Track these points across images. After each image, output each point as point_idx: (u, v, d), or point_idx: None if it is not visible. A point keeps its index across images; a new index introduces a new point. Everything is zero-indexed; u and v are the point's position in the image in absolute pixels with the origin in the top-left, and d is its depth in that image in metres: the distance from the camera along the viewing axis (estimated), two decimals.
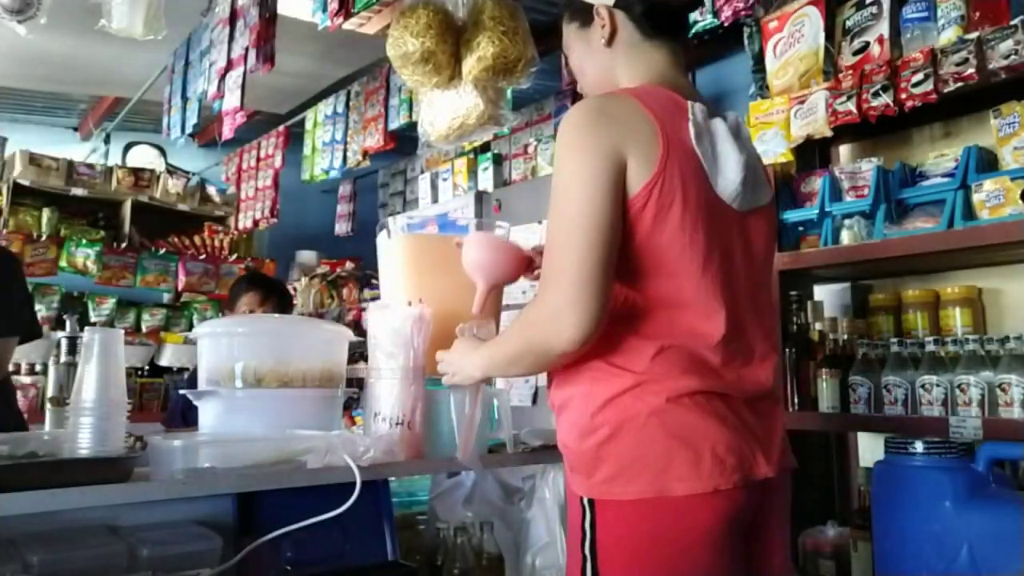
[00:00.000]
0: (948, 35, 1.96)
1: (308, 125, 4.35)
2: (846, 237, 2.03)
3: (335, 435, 1.30)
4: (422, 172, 4.51)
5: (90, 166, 4.55)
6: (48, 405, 1.60)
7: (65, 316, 1.68)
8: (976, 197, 1.83)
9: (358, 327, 3.61)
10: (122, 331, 1.25)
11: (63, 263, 4.26)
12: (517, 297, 2.51)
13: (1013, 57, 1.79)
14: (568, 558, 1.21)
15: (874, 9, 2.12)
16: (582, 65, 1.37)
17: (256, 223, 4.67)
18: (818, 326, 2.18)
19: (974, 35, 1.87)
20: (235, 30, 3.26)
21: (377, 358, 1.40)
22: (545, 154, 3.63)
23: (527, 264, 1.47)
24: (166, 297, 4.81)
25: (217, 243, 4.78)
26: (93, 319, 4.38)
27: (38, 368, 4.01)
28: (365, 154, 3.96)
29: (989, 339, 1.81)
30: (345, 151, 4.05)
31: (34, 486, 1.03)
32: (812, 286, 2.41)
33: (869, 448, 2.32)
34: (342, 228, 5.19)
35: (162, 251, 4.57)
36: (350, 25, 3.43)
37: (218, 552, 1.20)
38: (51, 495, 1.04)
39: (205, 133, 5.17)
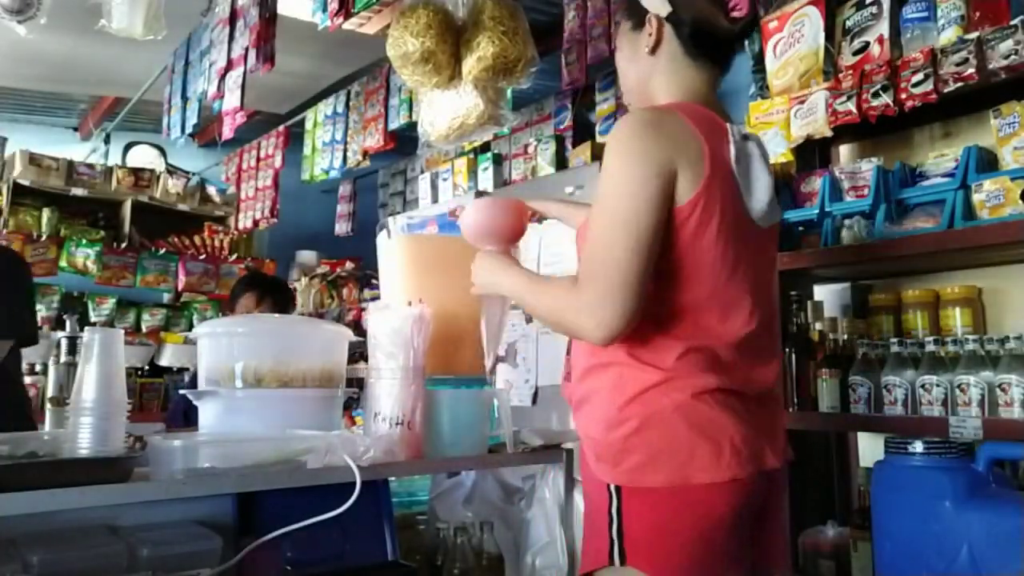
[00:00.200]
0: (948, 35, 1.96)
1: (308, 125, 4.35)
2: (846, 237, 2.03)
3: (335, 435, 1.30)
4: (422, 172, 4.52)
5: (90, 166, 4.55)
6: (48, 405, 1.60)
7: (65, 316, 1.68)
8: (976, 197, 1.83)
9: (358, 327, 3.61)
10: (122, 331, 1.25)
11: (63, 263, 4.26)
12: None
13: (1013, 57, 1.79)
14: (588, 542, 1.28)
15: (874, 9, 2.12)
16: (626, 66, 1.42)
17: (256, 223, 4.67)
18: (818, 326, 2.18)
19: (974, 35, 1.87)
20: (235, 30, 3.26)
21: (377, 358, 1.40)
22: (545, 154, 3.63)
23: (526, 213, 1.52)
24: (166, 297, 4.81)
25: (217, 243, 4.79)
26: (93, 319, 4.38)
27: (38, 368, 4.01)
28: (365, 154, 3.97)
29: (989, 339, 1.81)
30: (345, 151, 4.06)
31: (34, 486, 1.03)
32: (812, 286, 2.41)
33: (869, 448, 2.31)
34: (342, 228, 5.19)
35: (162, 251, 4.57)
36: (350, 25, 3.43)
37: (218, 552, 1.20)
38: (51, 495, 1.04)
39: (205, 133, 5.17)
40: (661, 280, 1.22)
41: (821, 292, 2.42)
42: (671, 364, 1.20)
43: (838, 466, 2.39)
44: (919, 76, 1.93)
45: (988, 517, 1.52)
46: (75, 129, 5.63)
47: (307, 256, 5.57)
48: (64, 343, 1.65)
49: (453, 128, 2.06)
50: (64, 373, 1.60)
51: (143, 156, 5.53)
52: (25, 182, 4.26)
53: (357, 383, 1.65)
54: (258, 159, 4.71)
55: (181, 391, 1.84)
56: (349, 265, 5.12)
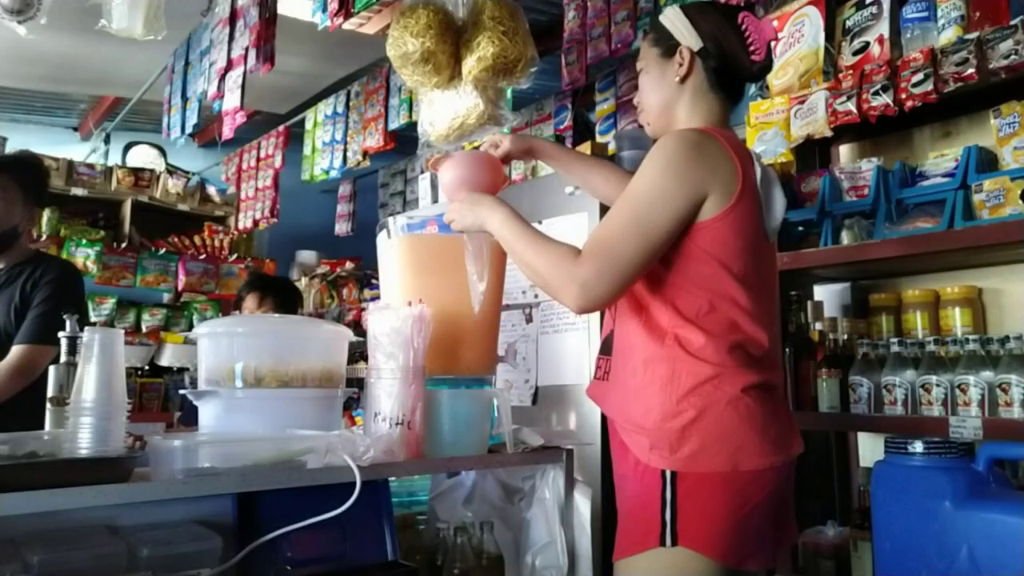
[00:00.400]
0: (948, 35, 1.96)
1: (308, 125, 4.35)
2: (846, 237, 2.03)
3: (335, 435, 1.30)
4: (422, 172, 4.51)
5: (90, 166, 4.55)
6: (48, 405, 1.60)
7: (65, 316, 1.67)
8: (976, 197, 1.83)
9: (358, 327, 3.61)
10: (122, 331, 1.24)
11: None
12: (518, 298, 2.51)
13: (1013, 57, 1.79)
14: (631, 526, 1.37)
15: (874, 9, 2.12)
16: (650, 89, 1.51)
17: (256, 223, 4.67)
18: (818, 326, 2.18)
19: (974, 35, 1.87)
20: (235, 30, 3.26)
21: (377, 358, 1.40)
22: None
23: (502, 170, 1.59)
24: (166, 297, 4.81)
25: (217, 243, 4.78)
26: (93, 319, 4.38)
27: None
28: (365, 154, 3.97)
29: (989, 339, 1.81)
30: (345, 151, 4.06)
31: (34, 486, 1.03)
32: (812, 286, 2.41)
33: (869, 448, 2.31)
34: (342, 228, 5.20)
35: (162, 251, 4.57)
36: (350, 25, 3.43)
37: (218, 552, 1.20)
38: (51, 495, 1.03)
39: (205, 133, 5.17)
40: (702, 282, 1.34)
41: (821, 292, 2.42)
42: (721, 359, 1.32)
43: (838, 466, 2.39)
44: (919, 76, 1.93)
45: (988, 517, 1.52)
46: (75, 129, 5.63)
47: (307, 256, 5.57)
48: (64, 343, 1.64)
49: (453, 128, 2.06)
50: (64, 373, 1.60)
51: (143, 156, 5.54)
52: None
53: (357, 383, 1.64)
54: (258, 159, 4.71)
55: (182, 391, 1.83)
56: (349, 265, 5.12)
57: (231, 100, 3.27)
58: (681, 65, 1.44)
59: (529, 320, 2.51)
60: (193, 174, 5.01)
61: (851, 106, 2.06)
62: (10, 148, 4.36)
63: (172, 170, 5.03)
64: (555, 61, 3.17)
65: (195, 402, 1.47)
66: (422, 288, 1.50)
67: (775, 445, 1.32)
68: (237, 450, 1.22)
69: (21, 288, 2.28)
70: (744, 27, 1.43)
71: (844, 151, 2.49)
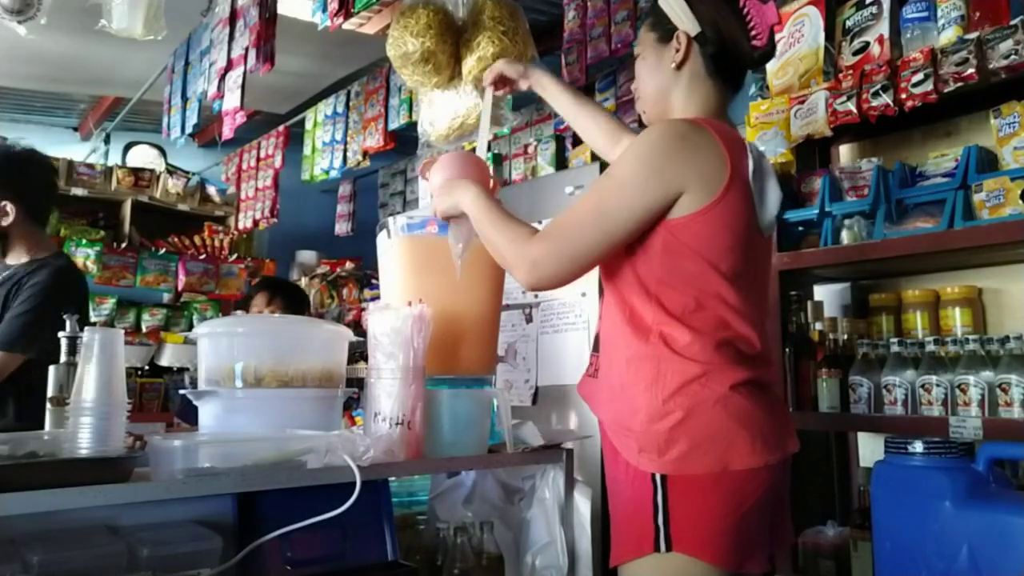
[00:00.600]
0: (948, 35, 1.96)
1: (308, 125, 4.35)
2: (846, 237, 2.03)
3: (335, 435, 1.30)
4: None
5: (90, 166, 4.55)
6: (48, 405, 1.60)
7: (65, 316, 1.67)
8: (976, 197, 1.83)
9: (358, 327, 3.61)
10: (122, 331, 1.24)
11: None
12: (517, 297, 2.51)
13: (1013, 57, 1.79)
14: (624, 532, 1.33)
15: (874, 9, 2.12)
16: (646, 74, 1.47)
17: (256, 223, 4.67)
18: (818, 326, 2.18)
19: (974, 35, 1.87)
20: (235, 30, 3.26)
21: (377, 358, 1.40)
22: (545, 154, 3.64)
23: (488, 170, 1.58)
24: (166, 297, 4.81)
25: (217, 243, 4.78)
26: (93, 319, 4.38)
27: None
28: (365, 154, 3.96)
29: (989, 339, 1.81)
30: (345, 151, 4.06)
31: (34, 486, 1.03)
32: (812, 286, 2.41)
33: (869, 448, 2.32)
34: (342, 228, 5.19)
35: (162, 251, 4.57)
36: (350, 25, 3.43)
37: (218, 552, 1.20)
38: (51, 495, 1.03)
39: (205, 133, 5.17)
40: (689, 278, 1.31)
41: (821, 292, 2.42)
42: (708, 357, 1.28)
43: (838, 466, 2.39)
44: (919, 76, 1.93)
45: (988, 517, 1.52)
46: (75, 129, 5.63)
47: (307, 256, 5.57)
48: (64, 343, 1.64)
49: (453, 128, 2.06)
50: (64, 373, 1.60)
51: (143, 156, 5.53)
52: None
53: (357, 383, 1.64)
54: (258, 159, 4.71)
55: (182, 391, 1.83)
56: (349, 265, 5.12)
57: (231, 100, 3.27)
58: (678, 51, 1.39)
59: (529, 320, 2.51)
60: (193, 174, 5.01)
61: (851, 106, 2.06)
62: None
63: (172, 170, 5.03)
64: (555, 61, 3.17)
65: (195, 402, 1.47)
66: (422, 288, 1.50)
67: (768, 443, 1.28)
68: (237, 450, 1.22)
69: (6, 294, 2.20)
70: (746, 11, 1.37)
71: (844, 151, 2.49)
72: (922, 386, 1.85)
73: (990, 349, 1.80)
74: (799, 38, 2.24)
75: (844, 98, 2.08)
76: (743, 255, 1.33)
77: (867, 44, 2.12)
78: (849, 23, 2.18)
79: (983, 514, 1.53)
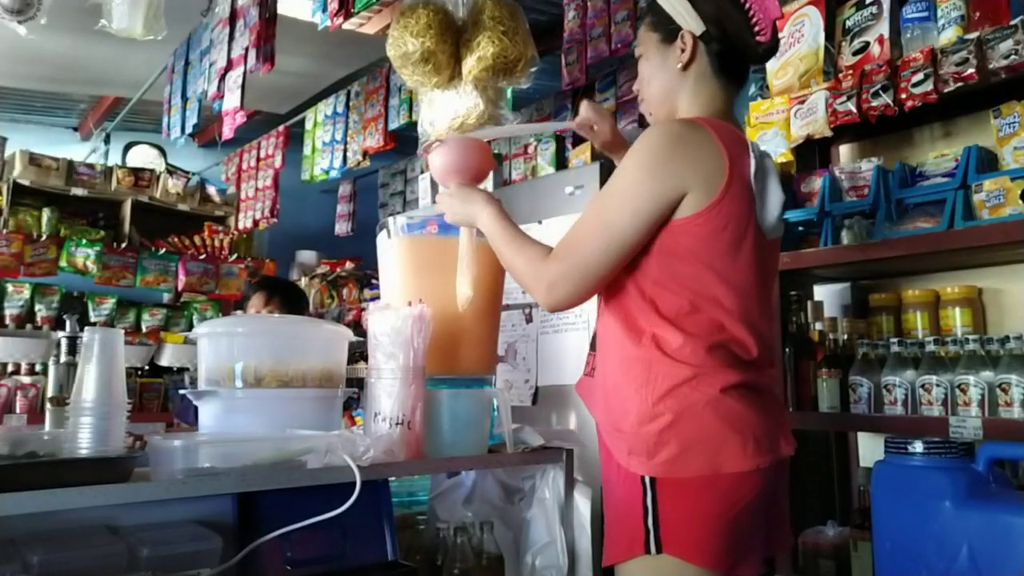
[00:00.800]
0: (948, 35, 1.96)
1: (308, 125, 4.35)
2: (846, 237, 2.03)
3: (335, 435, 1.30)
4: (422, 172, 4.51)
5: (90, 166, 4.54)
6: (48, 405, 1.60)
7: (65, 316, 1.67)
8: (976, 197, 1.83)
9: (358, 327, 3.61)
10: (122, 331, 1.25)
11: (63, 263, 4.26)
12: (518, 298, 2.51)
13: (1013, 57, 1.79)
14: (615, 533, 1.33)
15: (874, 9, 2.12)
16: (650, 76, 1.45)
17: (256, 223, 4.67)
18: (818, 326, 2.18)
19: (974, 35, 1.87)
20: (235, 30, 3.26)
21: (377, 358, 1.40)
22: (545, 154, 3.64)
23: (490, 153, 1.60)
24: (166, 297, 4.81)
25: (217, 243, 4.78)
26: (93, 319, 4.38)
27: (38, 368, 4.00)
28: (365, 154, 3.97)
29: (989, 339, 1.81)
30: (345, 151, 4.06)
31: (34, 486, 1.03)
32: (812, 286, 2.41)
33: (869, 448, 2.31)
34: (342, 228, 5.20)
35: (162, 251, 4.57)
36: (350, 25, 3.43)
37: (218, 552, 1.20)
38: (51, 495, 1.04)
39: (205, 133, 5.17)
40: (684, 280, 1.30)
41: (821, 292, 2.42)
42: (699, 360, 1.27)
43: (838, 466, 2.39)
44: (919, 76, 1.93)
45: (988, 517, 1.51)
46: (75, 129, 5.63)
47: (307, 256, 5.57)
48: (64, 343, 1.64)
49: (453, 128, 2.06)
50: (64, 373, 1.60)
51: (143, 156, 5.54)
52: (25, 182, 4.25)
53: (357, 383, 1.64)
54: (258, 159, 4.71)
55: (182, 391, 1.84)
56: (349, 265, 5.12)
57: (231, 100, 3.27)
58: (683, 51, 1.37)
59: (529, 320, 2.51)
60: (193, 174, 5.00)
61: (851, 106, 2.06)
62: (10, 148, 4.35)
63: (172, 170, 5.03)
64: (555, 61, 3.17)
65: (195, 402, 1.47)
66: (422, 288, 1.50)
67: (760, 446, 1.26)
68: (237, 450, 1.22)
69: None
70: (748, 6, 1.35)
71: (844, 151, 2.49)
72: (922, 386, 1.85)
73: (990, 349, 1.80)
74: (799, 38, 2.24)
75: (844, 98, 2.08)
76: (743, 257, 1.31)
77: (867, 44, 2.12)
78: (849, 23, 2.18)
79: (983, 514, 1.52)
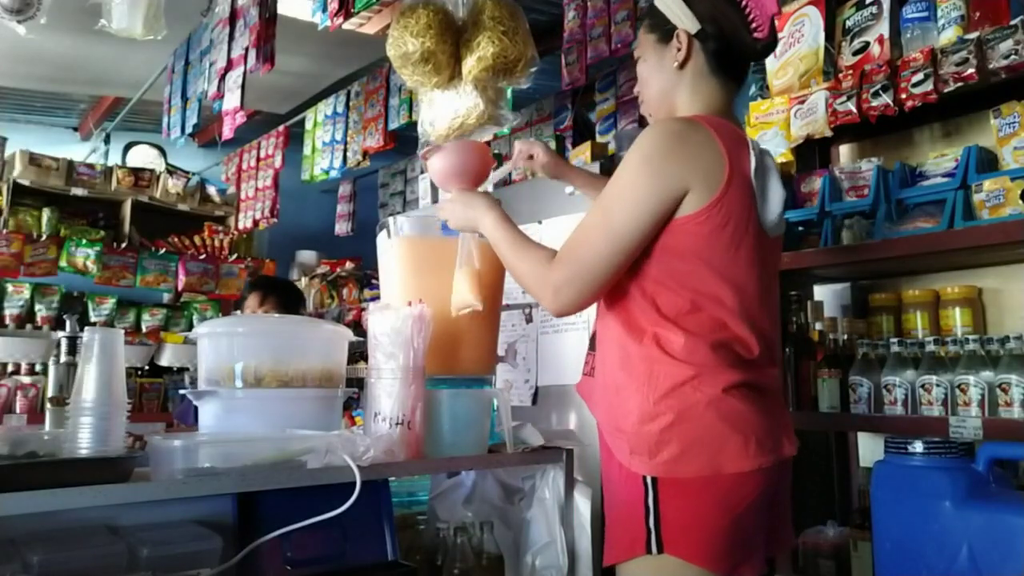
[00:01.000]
0: (948, 35, 1.96)
1: (308, 125, 4.35)
2: (846, 237, 2.03)
3: (335, 435, 1.30)
4: (422, 172, 4.51)
5: (90, 166, 4.55)
6: (48, 405, 1.60)
7: (65, 316, 1.67)
8: (976, 197, 1.83)
9: (358, 327, 3.61)
10: (122, 331, 1.25)
11: (63, 263, 4.26)
12: (517, 298, 2.51)
13: (1013, 57, 1.79)
14: (617, 533, 1.32)
15: (874, 9, 2.12)
16: (648, 76, 1.46)
17: (256, 223, 4.67)
18: (818, 326, 2.18)
19: (974, 35, 1.87)
20: (235, 30, 3.26)
21: (377, 358, 1.40)
22: None
23: (489, 155, 1.62)
24: (166, 297, 4.81)
25: (217, 243, 4.78)
26: (93, 319, 4.38)
27: (38, 368, 4.01)
28: (365, 154, 3.97)
29: (989, 339, 1.81)
30: (345, 151, 4.06)
31: (34, 486, 1.03)
32: (812, 286, 2.41)
33: (869, 448, 2.31)
34: (342, 228, 5.20)
35: (162, 251, 4.57)
36: (350, 25, 3.43)
37: (218, 552, 1.20)
38: (51, 495, 1.04)
39: (205, 133, 5.17)
40: (682, 280, 1.30)
41: (821, 292, 2.42)
42: (701, 359, 1.26)
43: (838, 466, 2.39)
44: (919, 76, 1.93)
45: (988, 517, 1.51)
46: (75, 129, 5.63)
47: (307, 256, 5.57)
48: (64, 343, 1.64)
49: (453, 128, 2.05)
50: (64, 373, 1.60)
51: (143, 156, 5.54)
52: (25, 182, 4.26)
53: (357, 383, 1.64)
54: (258, 159, 4.71)
55: (182, 391, 1.84)
56: (349, 265, 5.12)
57: (231, 100, 3.27)
58: (679, 49, 1.38)
59: (529, 320, 2.51)
60: (193, 174, 5.01)
61: (851, 106, 2.06)
62: (10, 148, 4.36)
63: (172, 170, 5.03)
64: (555, 61, 3.17)
65: (195, 402, 1.47)
66: (422, 288, 1.50)
67: (762, 446, 1.26)
68: (237, 450, 1.22)
69: None
70: (744, 3, 1.35)
71: (844, 151, 2.49)
72: (922, 386, 1.85)
73: (990, 349, 1.80)
74: (799, 38, 2.24)
75: (844, 98, 2.08)
76: (744, 255, 1.30)
77: (867, 44, 2.12)
78: (849, 23, 2.18)
79: (983, 514, 1.52)
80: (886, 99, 1.98)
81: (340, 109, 4.12)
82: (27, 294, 4.21)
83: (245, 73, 3.16)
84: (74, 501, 1.06)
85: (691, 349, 1.27)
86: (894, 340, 1.94)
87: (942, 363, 1.86)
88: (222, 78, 3.35)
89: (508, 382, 2.44)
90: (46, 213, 4.31)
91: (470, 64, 1.97)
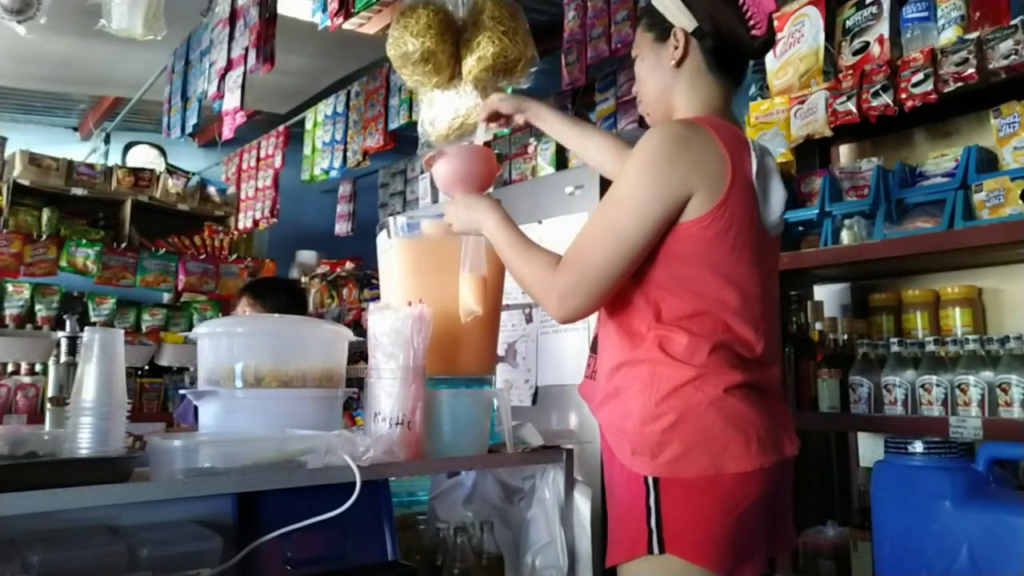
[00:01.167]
0: (948, 35, 1.96)
1: (308, 125, 4.35)
2: (846, 237, 2.03)
3: (335, 435, 1.30)
4: (422, 172, 4.52)
5: (90, 166, 4.55)
6: (48, 405, 1.60)
7: (65, 316, 1.67)
8: (976, 197, 1.83)
9: (358, 327, 3.61)
10: (122, 331, 1.24)
11: (63, 263, 4.26)
12: (517, 298, 2.51)
13: (1013, 57, 1.79)
14: (619, 533, 1.32)
15: (874, 9, 2.12)
16: (646, 75, 1.45)
17: (256, 223, 4.67)
18: (818, 326, 2.18)
19: (974, 35, 1.87)
20: (235, 30, 3.26)
21: (377, 358, 1.40)
22: (545, 154, 3.63)
23: (495, 160, 1.59)
24: (166, 297, 4.81)
25: (217, 243, 4.79)
26: (93, 319, 4.38)
27: (38, 368, 4.01)
28: (365, 154, 3.97)
29: (989, 339, 1.81)
30: (345, 151, 4.06)
31: (34, 486, 1.03)
32: (812, 286, 2.41)
33: (869, 448, 2.32)
34: (342, 228, 5.19)
35: (162, 251, 4.57)
36: (350, 25, 3.44)
37: (218, 552, 1.20)
38: (51, 495, 1.03)
39: (205, 133, 5.17)
40: (686, 283, 1.30)
41: (821, 292, 2.42)
42: (702, 361, 1.26)
43: (838, 466, 2.39)
44: (919, 76, 1.93)
45: (988, 517, 1.52)
46: (75, 129, 5.63)
47: (307, 256, 5.57)
48: (64, 343, 1.64)
49: (453, 128, 2.06)
50: (64, 373, 1.60)
51: (143, 156, 5.54)
52: (25, 182, 4.26)
53: (357, 383, 1.64)
54: (258, 159, 4.71)
55: (182, 391, 1.83)
56: (349, 265, 5.12)
57: (231, 100, 3.27)
58: (676, 48, 1.37)
59: (529, 320, 2.51)
60: (193, 174, 5.01)
61: (851, 106, 2.06)
62: (10, 148, 4.36)
63: (172, 170, 5.03)
64: (555, 61, 3.16)
65: (195, 402, 1.47)
66: (422, 288, 1.50)
67: (763, 446, 1.26)
68: (237, 450, 1.22)
69: None
70: (741, 1, 1.35)
71: (844, 151, 2.49)
72: (922, 386, 1.85)
73: (990, 349, 1.80)
74: (799, 38, 2.24)
75: (844, 98, 2.08)
76: (746, 256, 1.31)
77: (867, 44, 2.12)
78: (849, 23, 2.18)
79: (983, 514, 1.53)
80: (886, 99, 1.98)
81: (340, 109, 4.12)
82: (27, 294, 4.21)
83: (245, 73, 3.16)
84: (74, 501, 1.06)
85: (693, 350, 1.27)
86: (894, 340, 1.94)
87: (942, 363, 1.86)
88: (222, 78, 3.35)
89: (508, 382, 2.44)
90: (46, 213, 4.31)
91: (470, 64, 1.97)
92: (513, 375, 2.47)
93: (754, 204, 1.32)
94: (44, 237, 4.25)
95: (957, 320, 2.03)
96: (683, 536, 1.24)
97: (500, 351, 1.69)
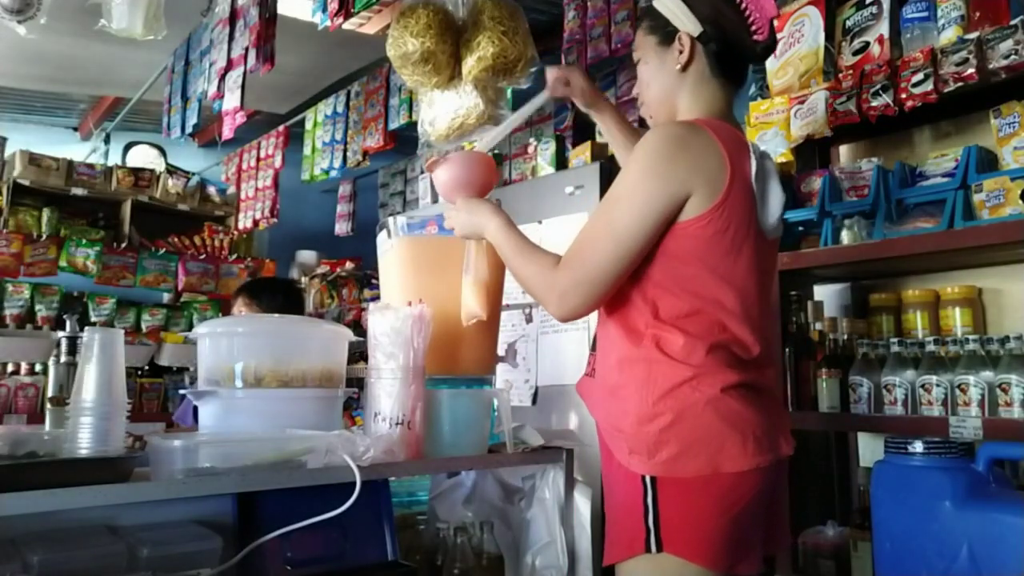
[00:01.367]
0: (948, 35, 1.96)
1: (308, 125, 4.35)
2: (846, 237, 2.03)
3: (335, 435, 1.30)
4: (422, 172, 4.52)
5: (90, 166, 4.55)
6: (48, 405, 1.60)
7: (65, 316, 1.67)
8: (976, 197, 1.83)
9: (358, 327, 3.61)
10: (122, 331, 1.24)
11: (63, 263, 4.26)
12: (517, 298, 2.51)
13: (1013, 57, 1.79)
14: (616, 532, 1.33)
15: (874, 9, 2.12)
16: (649, 79, 1.46)
17: (256, 223, 4.67)
18: (818, 326, 2.18)
19: (974, 35, 1.87)
20: (235, 30, 3.26)
21: (377, 358, 1.40)
22: (545, 154, 3.63)
23: (495, 167, 1.60)
24: (166, 297, 4.81)
25: (217, 243, 4.78)
26: (93, 319, 4.38)
27: (38, 368, 4.00)
28: (365, 154, 3.97)
29: (989, 339, 1.81)
30: (345, 151, 4.06)
31: (34, 486, 1.03)
32: (812, 286, 2.41)
33: (869, 448, 2.31)
34: (342, 228, 5.19)
35: (162, 251, 4.57)
36: (350, 25, 3.44)
37: (218, 552, 1.20)
38: (51, 495, 1.04)
39: (205, 133, 5.17)
40: (684, 283, 1.31)
41: (821, 292, 2.42)
42: (699, 360, 1.27)
43: (838, 466, 2.39)
44: (919, 76, 1.93)
45: (988, 517, 1.52)
46: (75, 129, 5.63)
47: (307, 256, 5.57)
48: (64, 343, 1.64)
49: (453, 128, 2.06)
50: (64, 373, 1.60)
51: (143, 156, 5.54)
52: (25, 182, 4.25)
53: (357, 383, 1.64)
54: (258, 159, 4.71)
55: (182, 391, 1.83)
56: (349, 265, 5.12)
57: (231, 100, 3.27)
58: (682, 52, 1.38)
59: (529, 320, 2.51)
60: (193, 174, 5.01)
61: (851, 106, 2.06)
62: (10, 148, 4.36)
63: (172, 170, 5.03)
64: (555, 61, 3.16)
65: (195, 402, 1.47)
66: (422, 288, 1.50)
67: (760, 445, 1.27)
68: (237, 450, 1.22)
69: None
70: (744, 5, 1.36)
71: (844, 151, 2.49)
72: (922, 386, 1.85)
73: (990, 349, 1.80)
74: (799, 38, 2.24)
75: (844, 98, 2.08)
76: (744, 257, 1.31)
77: (867, 44, 2.12)
78: (849, 23, 2.18)
79: (983, 514, 1.53)
80: (886, 99, 1.98)
81: (340, 109, 4.12)
82: (27, 294, 4.20)
83: (245, 73, 3.16)
84: (74, 501, 1.06)
85: (689, 350, 1.28)
86: (894, 340, 1.94)
87: (942, 363, 1.86)
88: (222, 78, 3.35)
89: (508, 382, 2.45)
90: (46, 213, 4.31)
91: (470, 64, 1.97)
92: (513, 375, 2.47)
93: (752, 206, 1.33)
94: (44, 237, 4.25)
95: (957, 320, 2.03)
96: (680, 535, 1.25)
97: (500, 351, 1.69)
